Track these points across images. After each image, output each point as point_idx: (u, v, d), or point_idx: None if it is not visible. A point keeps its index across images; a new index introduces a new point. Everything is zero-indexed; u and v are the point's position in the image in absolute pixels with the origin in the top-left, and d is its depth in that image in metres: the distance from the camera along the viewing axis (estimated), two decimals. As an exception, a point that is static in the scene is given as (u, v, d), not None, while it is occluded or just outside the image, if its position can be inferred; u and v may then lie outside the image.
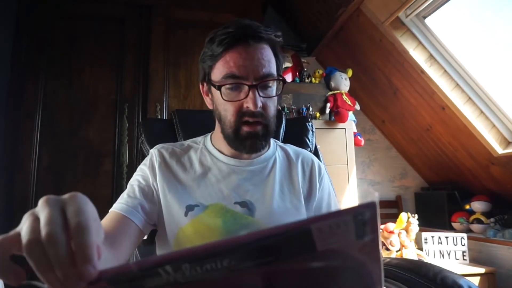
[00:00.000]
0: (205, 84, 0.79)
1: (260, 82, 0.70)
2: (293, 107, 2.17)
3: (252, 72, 0.70)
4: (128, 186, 0.78)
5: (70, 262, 0.30)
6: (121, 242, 0.66)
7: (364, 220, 0.28)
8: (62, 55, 1.91)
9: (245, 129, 0.73)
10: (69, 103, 1.88)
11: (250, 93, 0.70)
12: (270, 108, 0.74)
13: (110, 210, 0.73)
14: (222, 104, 0.74)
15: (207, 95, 0.80)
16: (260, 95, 0.71)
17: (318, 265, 0.31)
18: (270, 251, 0.29)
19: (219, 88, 0.72)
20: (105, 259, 0.49)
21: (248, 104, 0.70)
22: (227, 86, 0.71)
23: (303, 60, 2.38)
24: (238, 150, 0.77)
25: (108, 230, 0.66)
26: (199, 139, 0.88)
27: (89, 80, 1.92)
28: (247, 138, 0.73)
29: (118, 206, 0.71)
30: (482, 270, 1.87)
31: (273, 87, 0.74)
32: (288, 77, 2.26)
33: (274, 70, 0.73)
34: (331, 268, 0.32)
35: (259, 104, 0.70)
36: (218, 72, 0.72)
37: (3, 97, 1.81)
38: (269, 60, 0.72)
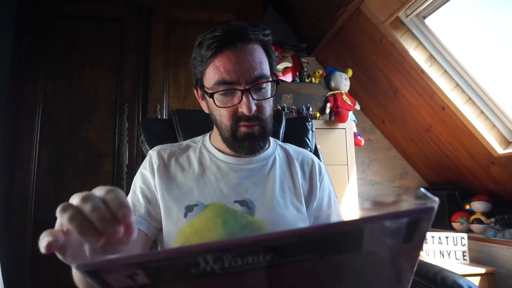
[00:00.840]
0: (198, 89, 0.79)
1: (253, 86, 0.70)
2: (293, 107, 2.17)
3: (243, 76, 0.69)
4: (131, 192, 0.79)
5: (110, 216, 0.35)
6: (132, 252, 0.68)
7: (417, 225, 0.28)
8: (62, 55, 1.91)
9: (243, 129, 0.73)
10: (69, 103, 1.87)
11: (244, 97, 0.69)
12: (266, 109, 0.74)
13: None
14: (216, 109, 0.73)
15: (202, 100, 0.80)
16: (253, 98, 0.70)
17: (355, 265, 0.31)
18: (313, 247, 0.28)
19: (211, 95, 0.71)
20: None
21: (242, 109, 0.70)
22: (220, 92, 0.70)
23: (303, 60, 2.38)
24: (237, 151, 0.77)
25: None
26: (198, 138, 0.88)
27: (89, 80, 1.92)
28: (245, 139, 0.73)
29: None
30: (482, 270, 1.87)
31: (267, 88, 0.74)
32: (288, 77, 2.26)
33: (266, 70, 0.72)
34: (367, 268, 0.31)
35: (253, 108, 0.70)
36: (209, 78, 0.72)
37: (3, 97, 1.81)
38: (260, 61, 0.71)
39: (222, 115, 0.73)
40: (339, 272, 0.31)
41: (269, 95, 0.74)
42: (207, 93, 0.73)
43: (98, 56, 1.95)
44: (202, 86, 0.76)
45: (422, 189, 0.30)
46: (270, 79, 0.73)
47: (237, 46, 0.69)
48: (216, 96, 0.71)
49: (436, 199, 0.28)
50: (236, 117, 0.72)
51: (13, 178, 1.74)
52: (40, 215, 1.73)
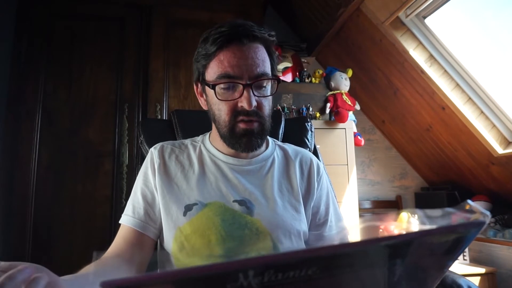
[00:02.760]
0: (199, 85, 0.79)
1: (255, 81, 0.70)
2: (293, 107, 2.17)
3: (246, 71, 0.70)
4: (132, 194, 0.80)
5: None
6: (137, 256, 0.71)
7: (463, 238, 0.27)
8: (62, 55, 1.91)
9: (241, 126, 0.73)
10: (69, 103, 1.87)
11: (245, 92, 0.70)
12: (265, 107, 0.74)
13: (121, 224, 0.76)
14: (216, 103, 0.74)
15: (201, 96, 0.81)
16: (254, 94, 0.71)
17: (393, 276, 0.30)
18: (356, 261, 0.27)
19: (213, 87, 0.72)
20: (124, 275, 0.51)
21: (243, 104, 0.70)
22: (222, 85, 0.71)
23: (303, 60, 2.38)
24: (234, 148, 0.77)
25: (123, 247, 0.72)
26: (198, 138, 0.88)
27: (89, 80, 1.92)
28: (243, 135, 0.73)
29: (129, 221, 0.75)
30: (482, 270, 1.87)
31: (268, 87, 0.74)
32: (288, 77, 2.26)
33: (268, 69, 0.73)
34: (402, 278, 0.30)
35: (254, 103, 0.70)
36: (212, 71, 0.72)
37: (3, 97, 1.81)
38: (263, 60, 0.72)
39: (221, 110, 0.73)
40: (377, 283, 0.30)
41: (269, 94, 0.75)
42: (208, 85, 0.73)
43: (98, 56, 1.95)
44: (203, 80, 0.76)
45: (471, 202, 0.29)
46: (272, 78, 0.74)
47: (242, 42, 0.70)
48: (217, 89, 0.72)
49: (488, 213, 0.27)
50: (236, 112, 0.72)
51: (13, 178, 1.74)
52: (40, 215, 1.73)
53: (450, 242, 0.27)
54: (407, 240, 0.27)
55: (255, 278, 0.25)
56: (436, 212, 0.29)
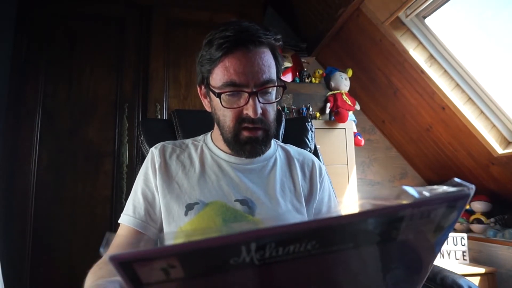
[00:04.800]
0: (203, 87, 0.79)
1: (260, 89, 0.70)
2: (293, 107, 2.17)
3: (252, 78, 0.69)
4: (132, 193, 0.80)
5: None
6: None
7: (451, 212, 0.27)
8: (62, 55, 1.91)
9: (245, 134, 0.73)
10: (69, 103, 1.87)
11: (250, 100, 0.69)
12: (270, 113, 0.74)
13: (121, 224, 0.76)
14: (221, 109, 0.73)
15: (205, 98, 0.80)
16: (259, 102, 0.70)
17: (388, 254, 0.30)
18: (353, 236, 0.27)
19: (218, 95, 0.71)
20: None
21: (248, 111, 0.70)
22: (227, 93, 0.70)
23: (303, 60, 2.38)
24: (238, 154, 0.78)
25: (124, 247, 0.71)
26: (200, 137, 0.88)
27: (89, 80, 1.92)
28: (247, 143, 0.73)
29: (129, 221, 0.75)
30: (482, 270, 1.87)
31: (273, 92, 0.74)
32: (288, 77, 2.26)
33: (274, 75, 0.73)
34: (395, 257, 0.31)
35: (259, 111, 0.70)
36: (217, 78, 0.71)
37: (3, 97, 1.81)
38: (269, 65, 0.71)
39: (226, 116, 0.73)
40: (373, 262, 0.31)
41: (274, 99, 0.74)
42: (214, 92, 0.73)
43: (98, 56, 1.95)
44: (208, 85, 0.75)
45: (457, 179, 0.30)
46: (277, 84, 0.73)
47: (248, 48, 0.69)
48: (222, 96, 0.71)
49: (472, 186, 0.28)
50: (240, 119, 0.72)
51: (13, 178, 1.74)
52: (40, 215, 1.73)
53: (439, 217, 0.27)
54: (402, 209, 0.27)
55: (256, 253, 0.25)
56: (425, 189, 0.29)
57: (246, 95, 0.69)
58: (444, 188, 0.30)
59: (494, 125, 1.99)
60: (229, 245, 0.25)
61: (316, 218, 0.27)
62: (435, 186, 0.30)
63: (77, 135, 1.86)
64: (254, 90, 0.69)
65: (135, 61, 1.99)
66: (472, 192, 0.28)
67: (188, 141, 0.87)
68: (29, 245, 1.70)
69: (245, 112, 0.71)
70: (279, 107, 2.16)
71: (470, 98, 2.01)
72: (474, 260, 2.08)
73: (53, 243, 1.73)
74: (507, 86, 1.98)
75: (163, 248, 0.25)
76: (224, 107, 0.72)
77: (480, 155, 2.09)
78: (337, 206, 0.88)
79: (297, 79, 2.27)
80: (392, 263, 0.31)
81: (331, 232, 0.27)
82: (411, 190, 0.29)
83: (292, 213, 0.77)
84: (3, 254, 1.58)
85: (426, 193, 0.29)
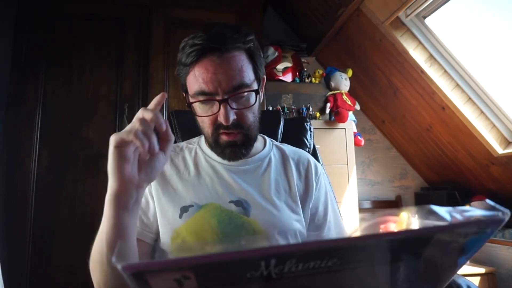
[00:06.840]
0: (184, 94, 0.79)
1: (231, 95, 0.69)
2: (293, 107, 2.17)
3: (220, 86, 0.68)
4: None
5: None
6: None
7: (481, 235, 0.27)
8: (62, 55, 1.91)
9: (224, 138, 0.73)
10: (69, 103, 1.87)
11: (221, 108, 0.69)
12: (247, 117, 0.73)
13: None
14: (198, 116, 0.74)
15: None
16: (232, 108, 0.69)
17: (405, 270, 0.30)
18: (379, 254, 0.27)
19: (189, 105, 0.72)
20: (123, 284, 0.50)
21: (220, 119, 0.70)
22: (199, 102, 0.71)
23: (303, 60, 2.38)
24: (220, 157, 0.78)
25: None
26: (194, 139, 0.88)
27: (89, 80, 1.92)
28: (227, 146, 0.74)
29: None
30: (482, 270, 1.87)
31: (250, 96, 0.72)
32: (288, 77, 2.26)
33: (247, 78, 0.70)
34: (416, 273, 0.30)
35: (231, 118, 0.69)
36: (190, 86, 0.72)
37: (3, 97, 1.81)
38: (240, 69, 0.69)
39: (204, 122, 0.74)
40: (393, 277, 0.30)
41: (252, 103, 0.72)
42: (188, 102, 0.74)
43: (98, 56, 1.95)
44: (186, 92, 0.76)
45: (489, 201, 0.29)
46: (250, 88, 0.71)
47: (215, 55, 0.68)
48: (196, 105, 0.72)
49: (507, 211, 0.27)
50: (216, 125, 0.72)
51: (13, 178, 1.74)
52: (40, 215, 1.73)
53: (468, 238, 0.27)
54: (436, 232, 0.27)
55: (276, 268, 0.25)
56: (456, 210, 0.29)
57: (217, 103, 0.69)
58: (476, 211, 0.29)
59: (494, 125, 1.99)
60: (248, 259, 0.25)
61: (342, 237, 0.26)
62: (466, 208, 0.29)
63: (77, 135, 1.85)
64: (225, 97, 0.68)
65: (135, 61, 1.98)
66: (507, 218, 0.27)
67: (183, 144, 0.87)
68: (29, 245, 1.70)
69: (218, 119, 0.71)
70: (279, 107, 2.16)
71: (470, 98, 2.01)
72: (474, 260, 2.08)
73: (53, 243, 1.73)
74: (507, 86, 1.98)
75: (180, 259, 0.24)
76: (198, 115, 0.73)
77: (480, 155, 2.09)
78: (334, 205, 0.87)
79: (297, 79, 2.27)
80: (413, 278, 0.31)
81: (356, 250, 0.27)
82: (441, 211, 0.28)
83: (287, 213, 0.77)
84: (3, 254, 1.58)
85: (458, 216, 0.28)
